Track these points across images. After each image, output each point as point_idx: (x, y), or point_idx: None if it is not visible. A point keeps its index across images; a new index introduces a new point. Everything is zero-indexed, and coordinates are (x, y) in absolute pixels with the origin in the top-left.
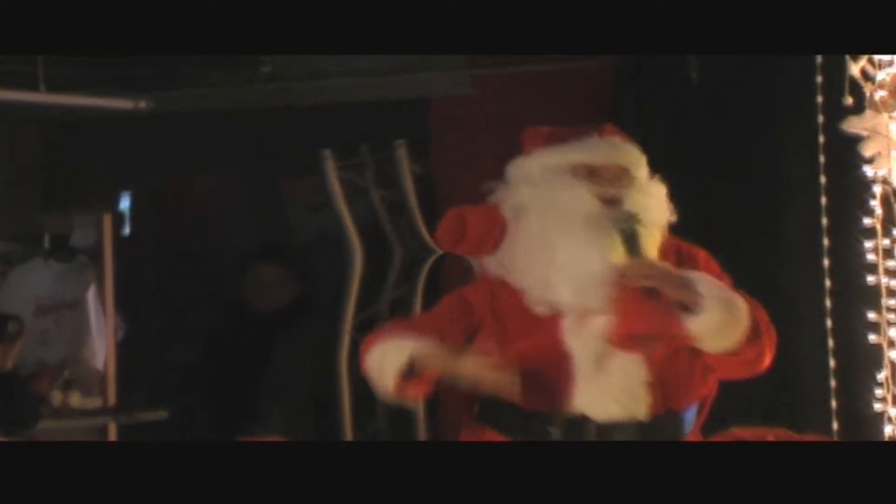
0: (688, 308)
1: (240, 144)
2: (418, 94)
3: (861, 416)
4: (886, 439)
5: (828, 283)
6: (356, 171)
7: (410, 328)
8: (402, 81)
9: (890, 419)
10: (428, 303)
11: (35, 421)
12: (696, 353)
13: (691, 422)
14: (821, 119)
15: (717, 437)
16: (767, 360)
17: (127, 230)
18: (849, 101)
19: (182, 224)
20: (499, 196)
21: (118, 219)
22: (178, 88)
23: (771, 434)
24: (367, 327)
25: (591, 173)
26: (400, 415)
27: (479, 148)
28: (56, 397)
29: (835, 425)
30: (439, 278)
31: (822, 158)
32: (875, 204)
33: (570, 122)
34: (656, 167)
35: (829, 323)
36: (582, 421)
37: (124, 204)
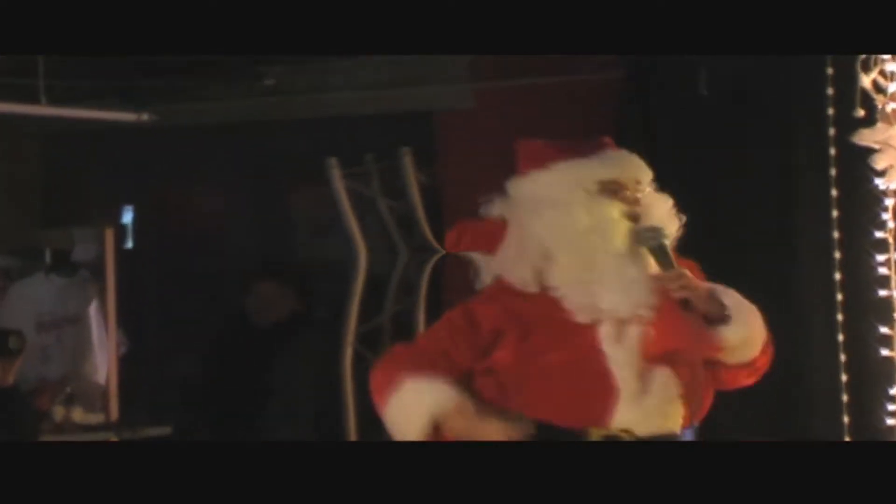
0: (715, 320)
1: (242, 158)
2: (421, 107)
3: (873, 431)
4: None
5: (839, 296)
6: (362, 180)
7: (420, 355)
8: (405, 95)
9: None
10: (431, 315)
11: (35, 437)
12: (711, 364)
13: (693, 435)
14: (832, 131)
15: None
16: (769, 366)
17: (129, 244)
18: (860, 113)
19: (184, 238)
20: (503, 208)
21: (120, 233)
22: (181, 101)
23: None
24: (369, 340)
25: (616, 189)
26: None
27: (484, 161)
28: (58, 412)
29: (847, 440)
30: (442, 292)
31: (833, 171)
32: (887, 217)
33: (574, 136)
34: (665, 180)
35: (840, 337)
36: (618, 436)
37: (126, 218)
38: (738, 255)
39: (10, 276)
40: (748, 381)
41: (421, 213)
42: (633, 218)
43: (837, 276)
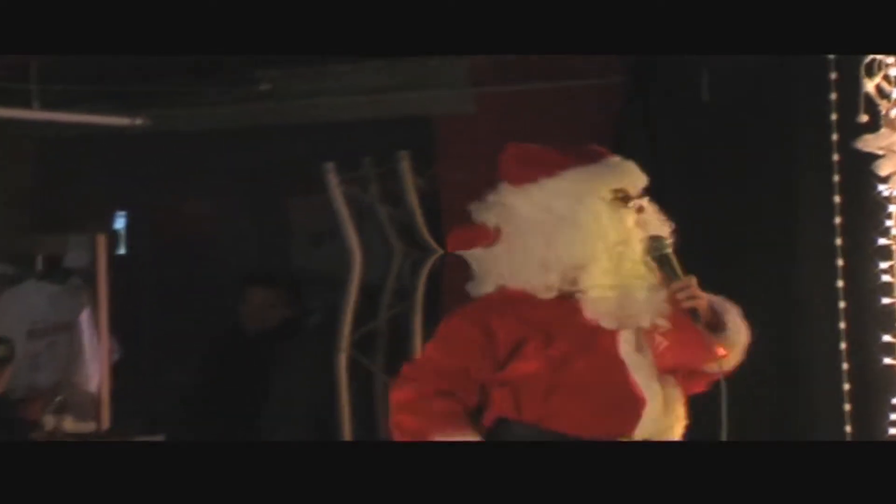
0: (717, 330)
1: (238, 162)
2: (420, 112)
3: (876, 440)
4: None
5: (842, 304)
6: (359, 185)
7: (440, 376)
8: (404, 99)
9: None
10: (428, 320)
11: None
12: (694, 373)
13: None
14: (835, 137)
15: None
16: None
17: (122, 251)
18: (864, 118)
19: (177, 244)
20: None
21: (113, 239)
22: (176, 106)
23: None
24: (365, 344)
25: (626, 197)
26: None
27: (483, 166)
28: (49, 422)
29: (847, 440)
30: (440, 296)
31: (836, 177)
32: (890, 224)
33: (576, 141)
34: (667, 185)
35: (843, 345)
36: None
37: (119, 224)
38: (739, 262)
39: (0, 282)
40: (706, 388)
41: (419, 217)
42: (643, 226)
43: (840, 283)
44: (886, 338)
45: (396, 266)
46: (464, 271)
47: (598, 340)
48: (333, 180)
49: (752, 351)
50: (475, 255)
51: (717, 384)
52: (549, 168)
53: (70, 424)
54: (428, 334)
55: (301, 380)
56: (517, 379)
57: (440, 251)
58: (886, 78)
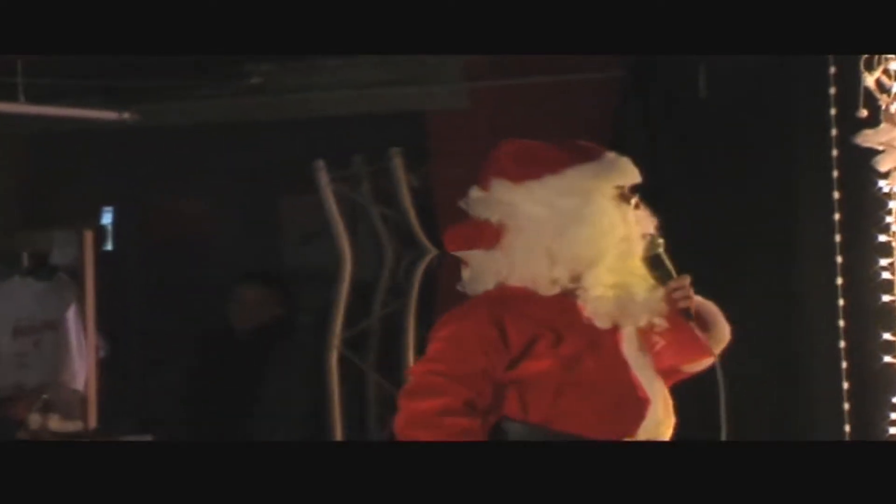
0: (704, 328)
1: (228, 158)
2: (413, 107)
3: (875, 440)
4: None
5: (841, 302)
6: (350, 183)
7: (457, 379)
8: (397, 94)
9: None
10: (423, 317)
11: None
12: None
13: None
14: (834, 132)
15: None
16: None
17: (109, 247)
18: (863, 113)
19: (166, 241)
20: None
21: (100, 235)
22: (164, 101)
23: None
24: (357, 343)
25: (626, 195)
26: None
27: (477, 162)
28: (34, 420)
29: (847, 440)
30: (434, 295)
31: (835, 173)
32: (890, 220)
33: (572, 137)
34: (665, 180)
35: (842, 343)
36: None
37: (106, 220)
38: (737, 259)
39: None
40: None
41: (412, 216)
42: (640, 223)
43: (839, 280)
44: (886, 336)
45: (389, 265)
46: (459, 269)
47: (602, 339)
48: (324, 178)
49: (751, 349)
50: (474, 253)
51: (714, 382)
52: (552, 165)
53: (56, 423)
54: (421, 333)
55: (292, 378)
56: (527, 378)
57: (435, 251)
58: (886, 72)
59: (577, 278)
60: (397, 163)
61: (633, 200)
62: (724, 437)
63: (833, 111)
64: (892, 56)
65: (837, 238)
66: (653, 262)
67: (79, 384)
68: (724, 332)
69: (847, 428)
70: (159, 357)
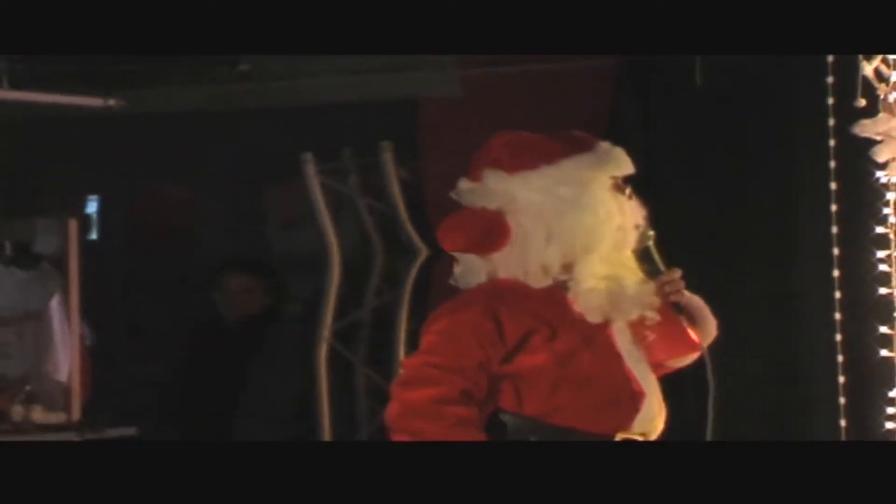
0: (692, 322)
1: (215, 147)
2: (405, 94)
3: (871, 435)
4: None
5: (838, 294)
6: (339, 177)
7: (454, 373)
8: (388, 81)
9: None
10: (416, 310)
11: None
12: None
13: None
14: (832, 122)
15: None
16: None
17: (93, 236)
18: (861, 103)
19: (151, 230)
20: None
21: (84, 224)
22: (150, 87)
23: None
24: (346, 335)
25: (620, 186)
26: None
27: (470, 153)
28: (17, 412)
29: (846, 440)
30: (426, 289)
31: (832, 163)
32: (888, 212)
33: (568, 126)
34: (662, 170)
35: (838, 337)
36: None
37: (91, 208)
38: (733, 252)
39: None
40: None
41: (402, 210)
42: (632, 214)
43: (836, 272)
44: (883, 329)
45: (380, 258)
46: (451, 263)
47: (596, 333)
48: (311, 171)
49: (747, 342)
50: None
51: (704, 377)
52: (548, 156)
53: (39, 415)
54: (413, 327)
55: (280, 369)
56: (522, 372)
57: (425, 249)
58: (885, 61)
59: (569, 268)
60: (387, 157)
61: (627, 191)
62: (710, 432)
63: (831, 100)
64: None
65: (834, 229)
66: (642, 254)
67: (62, 375)
68: (711, 327)
69: (843, 423)
70: (144, 348)
